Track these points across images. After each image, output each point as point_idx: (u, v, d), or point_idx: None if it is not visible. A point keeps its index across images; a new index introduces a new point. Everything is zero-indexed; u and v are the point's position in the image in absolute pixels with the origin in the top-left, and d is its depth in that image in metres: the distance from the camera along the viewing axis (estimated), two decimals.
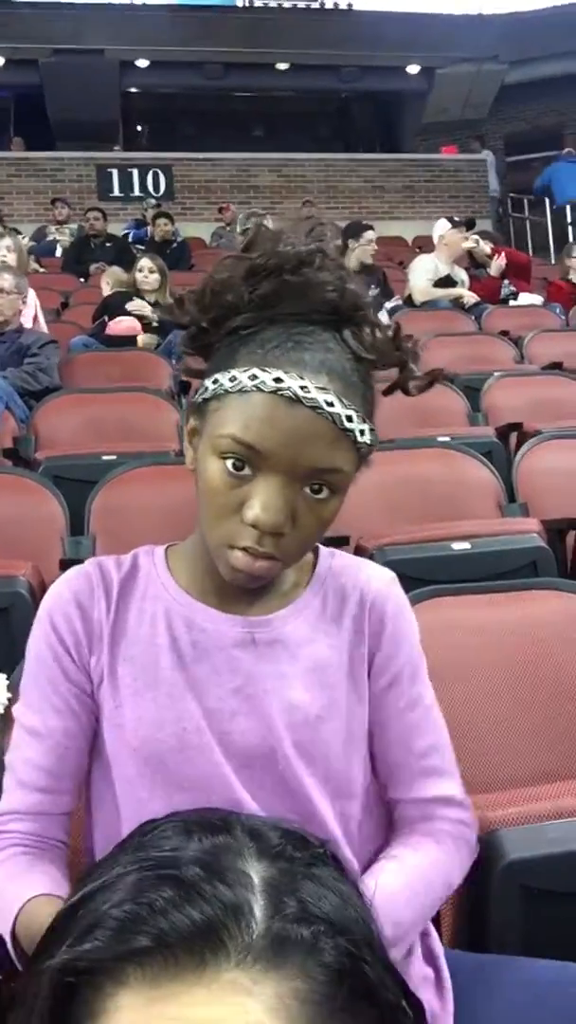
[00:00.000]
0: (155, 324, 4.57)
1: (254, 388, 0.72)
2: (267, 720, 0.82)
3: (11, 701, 1.19)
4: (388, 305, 5.33)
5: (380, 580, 0.89)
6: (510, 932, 1.01)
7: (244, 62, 10.92)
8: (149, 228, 8.84)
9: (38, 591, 1.92)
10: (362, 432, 0.75)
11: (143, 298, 4.78)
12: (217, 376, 0.75)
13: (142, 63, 10.93)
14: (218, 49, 10.58)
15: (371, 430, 0.76)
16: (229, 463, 0.74)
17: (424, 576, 1.84)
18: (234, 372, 0.74)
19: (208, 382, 0.77)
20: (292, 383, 0.71)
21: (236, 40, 10.48)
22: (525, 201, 11.60)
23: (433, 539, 2.07)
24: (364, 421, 0.75)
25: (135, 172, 10.83)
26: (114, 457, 2.70)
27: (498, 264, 5.60)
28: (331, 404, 0.72)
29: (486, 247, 5.65)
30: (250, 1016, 0.38)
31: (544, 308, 5.47)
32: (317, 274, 0.74)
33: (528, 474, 2.66)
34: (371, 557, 1.99)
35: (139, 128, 12.51)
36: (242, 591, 0.82)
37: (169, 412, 3.36)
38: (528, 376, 3.89)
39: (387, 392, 0.80)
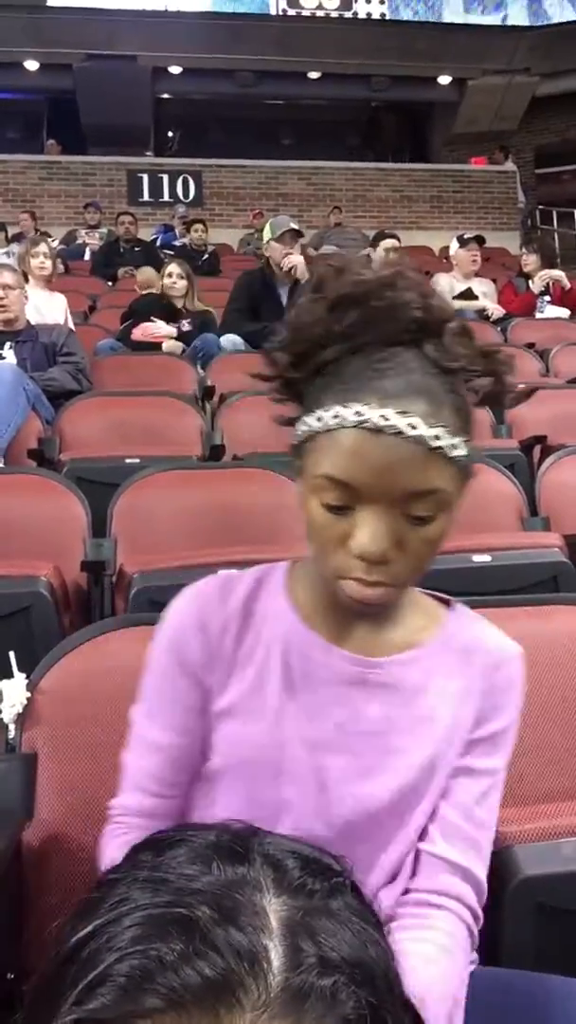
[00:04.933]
0: (180, 333, 4.61)
1: (338, 425, 0.73)
2: (366, 761, 0.82)
3: (29, 700, 1.20)
4: None
5: (507, 650, 0.88)
6: (523, 949, 1.00)
7: (276, 70, 10.96)
8: (178, 230, 8.91)
9: (59, 592, 1.93)
10: (454, 447, 0.73)
11: (171, 302, 4.80)
12: (306, 418, 0.77)
13: (175, 70, 11.00)
14: (250, 57, 10.64)
15: (465, 442, 0.75)
16: (328, 501, 0.75)
17: (443, 588, 1.82)
18: (319, 412, 0.74)
19: (300, 425, 0.78)
20: (372, 414, 0.71)
21: (268, 48, 10.53)
22: (554, 213, 11.57)
23: (453, 551, 2.05)
24: (455, 435, 0.73)
25: (165, 178, 10.91)
26: (137, 460, 2.70)
27: (540, 283, 5.55)
28: (414, 427, 0.71)
29: (566, 282, 5.59)
30: None
31: (571, 321, 5.44)
32: (400, 295, 0.73)
33: (551, 488, 2.65)
34: None
35: (170, 134, 12.59)
36: (362, 621, 0.83)
37: (193, 417, 3.37)
38: (553, 389, 3.87)
39: (479, 404, 0.79)
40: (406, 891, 0.85)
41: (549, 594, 1.76)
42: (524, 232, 11.34)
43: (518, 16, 11.01)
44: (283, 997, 0.37)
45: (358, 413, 0.72)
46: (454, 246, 5.58)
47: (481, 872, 0.86)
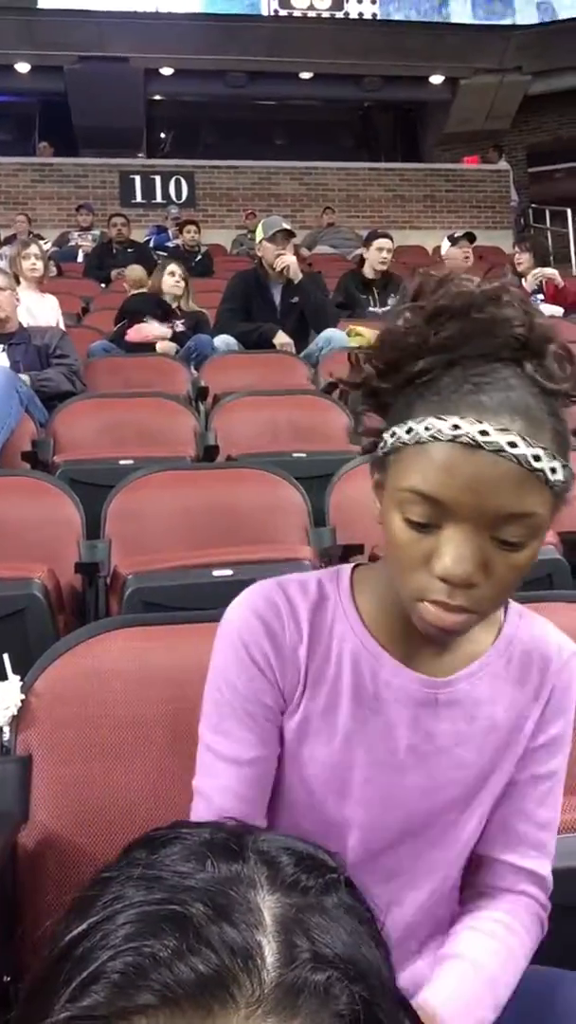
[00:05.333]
0: (174, 334, 4.61)
1: (431, 438, 0.69)
2: (436, 778, 0.83)
3: (23, 702, 1.19)
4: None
5: (565, 650, 0.87)
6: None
7: (267, 71, 10.96)
8: (171, 231, 8.92)
9: (53, 594, 1.93)
10: (553, 470, 0.69)
11: (165, 302, 4.79)
12: (395, 429, 0.73)
13: (166, 71, 11.00)
14: (242, 58, 10.63)
15: (564, 466, 0.70)
16: (412, 517, 0.71)
17: None
18: (410, 423, 0.71)
19: (387, 435, 0.74)
20: (470, 428, 0.67)
21: (260, 49, 10.53)
22: (547, 212, 11.59)
23: None
24: (554, 458, 0.69)
25: (157, 179, 10.91)
26: (131, 462, 2.70)
27: (533, 281, 5.57)
28: (514, 445, 0.67)
29: (559, 280, 5.63)
30: None
31: (565, 319, 5.44)
32: (502, 310, 0.71)
33: None
34: None
35: (162, 135, 12.59)
36: (431, 641, 0.81)
37: (187, 417, 3.37)
38: None
39: None
40: (468, 886, 0.89)
41: (544, 591, 1.76)
42: (517, 231, 11.35)
43: (529, 16, 10.97)
44: (277, 993, 0.37)
45: (455, 426, 0.68)
46: (445, 245, 5.60)
47: (546, 869, 0.88)
